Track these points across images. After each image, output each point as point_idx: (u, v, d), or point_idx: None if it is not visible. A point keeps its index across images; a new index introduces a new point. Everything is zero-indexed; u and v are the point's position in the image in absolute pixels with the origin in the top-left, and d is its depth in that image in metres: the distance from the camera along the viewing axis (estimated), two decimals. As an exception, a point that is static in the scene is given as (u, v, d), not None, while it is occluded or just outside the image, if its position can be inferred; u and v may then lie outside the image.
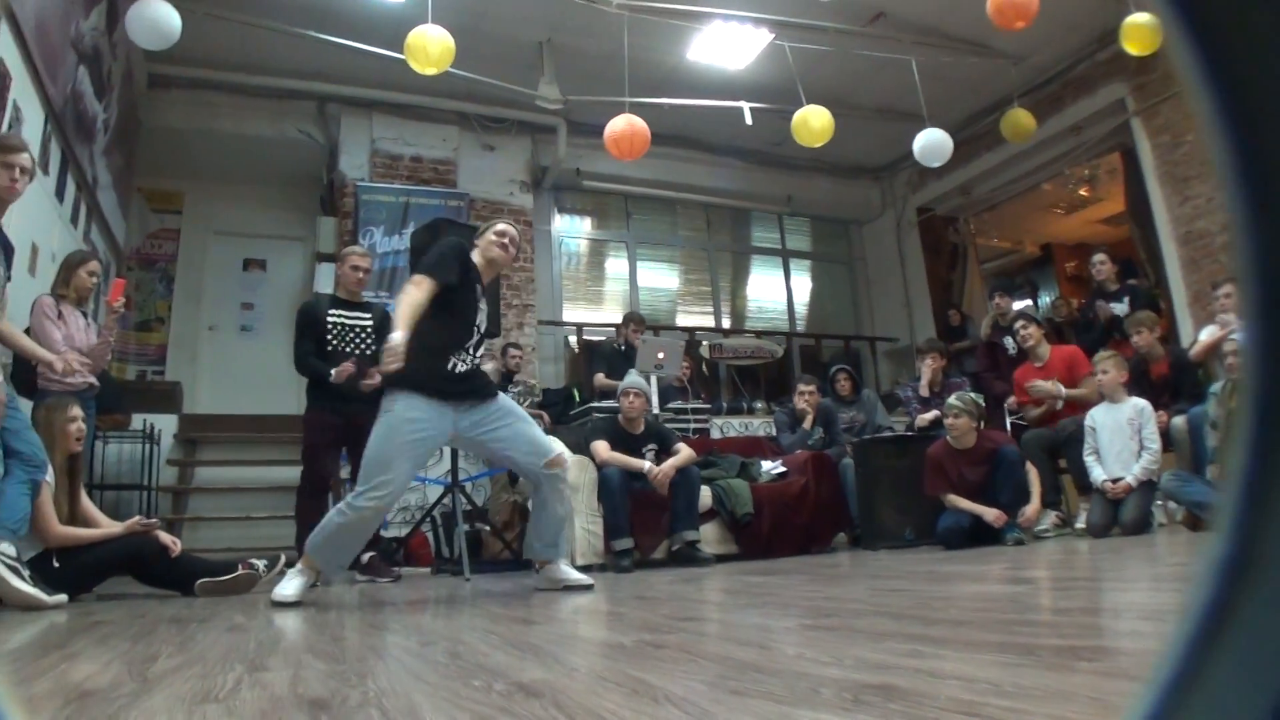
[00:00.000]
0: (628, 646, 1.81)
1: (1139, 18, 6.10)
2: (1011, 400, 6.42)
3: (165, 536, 4.28)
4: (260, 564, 4.32)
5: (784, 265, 11.18)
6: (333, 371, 4.75)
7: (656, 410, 6.23)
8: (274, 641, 2.25)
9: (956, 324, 9.54)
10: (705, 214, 10.71)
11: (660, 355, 6.50)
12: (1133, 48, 6.29)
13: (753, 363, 9.96)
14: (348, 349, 4.93)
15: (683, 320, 10.30)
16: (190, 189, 9.13)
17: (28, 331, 4.45)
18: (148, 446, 7.00)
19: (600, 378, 7.04)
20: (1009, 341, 6.84)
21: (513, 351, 7.42)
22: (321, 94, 8.27)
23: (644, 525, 5.14)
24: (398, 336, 3.14)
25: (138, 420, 7.03)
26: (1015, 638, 1.62)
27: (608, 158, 7.07)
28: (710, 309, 10.57)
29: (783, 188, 10.56)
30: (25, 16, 4.64)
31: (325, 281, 7.57)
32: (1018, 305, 8.08)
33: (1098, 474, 5.30)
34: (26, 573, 3.62)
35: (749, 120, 7.74)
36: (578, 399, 7.48)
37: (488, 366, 5.96)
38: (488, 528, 6.19)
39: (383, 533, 5.69)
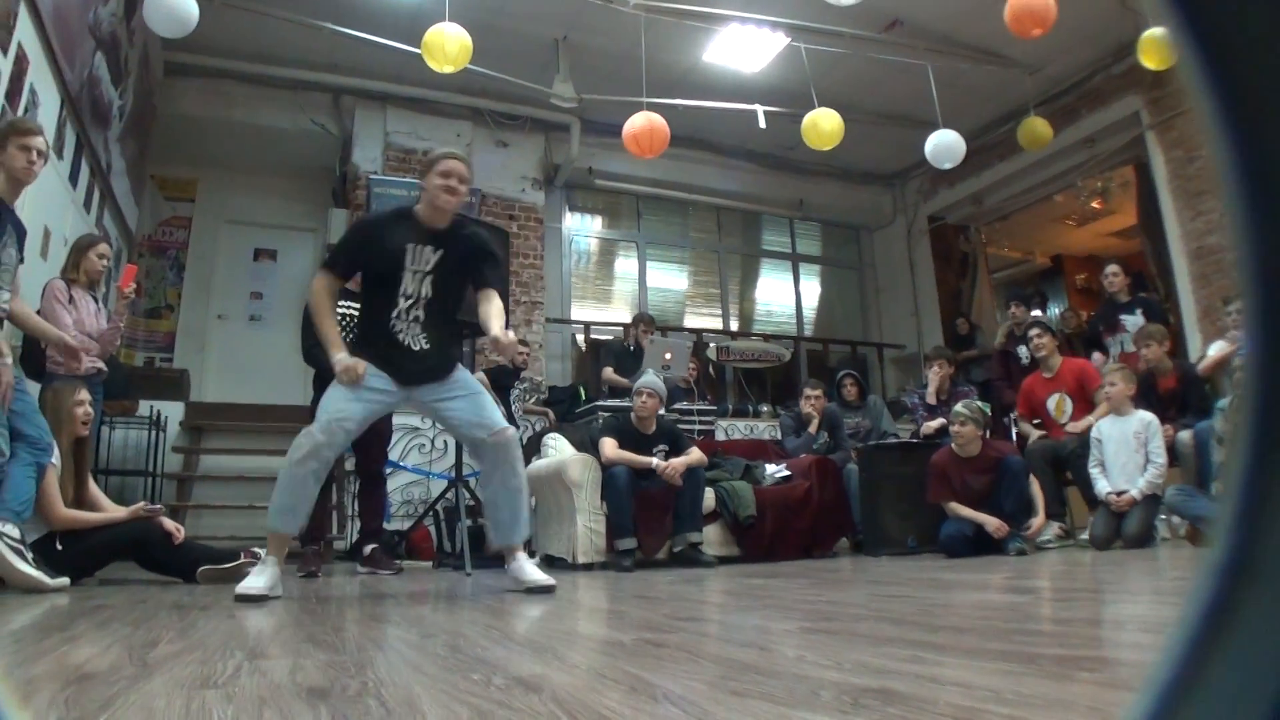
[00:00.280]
0: (628, 644, 1.81)
1: (1156, 32, 6.08)
2: (1015, 413, 6.41)
3: (169, 523, 4.30)
4: (262, 553, 4.32)
5: (793, 269, 11.17)
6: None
7: (662, 410, 6.23)
8: (275, 630, 2.26)
9: (965, 333, 9.52)
10: (716, 216, 10.70)
11: (667, 356, 6.50)
12: (1149, 62, 6.27)
13: (759, 366, 9.96)
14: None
15: (691, 322, 10.30)
16: (203, 177, 9.15)
17: (38, 314, 4.48)
18: (154, 433, 7.02)
19: (609, 372, 7.02)
20: (1023, 351, 6.83)
21: (520, 348, 7.42)
22: (336, 86, 8.29)
23: (648, 525, 5.13)
24: (338, 358, 3.25)
25: (145, 406, 7.06)
26: (1016, 646, 1.62)
27: (620, 157, 7.08)
28: (719, 311, 10.56)
29: (794, 192, 10.56)
30: (44, 1, 4.65)
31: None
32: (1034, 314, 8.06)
33: (1102, 486, 5.29)
34: (30, 555, 3.64)
35: (763, 124, 7.73)
36: (584, 397, 7.48)
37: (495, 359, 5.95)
38: (485, 514, 6.19)
39: (386, 525, 5.71)
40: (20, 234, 3.80)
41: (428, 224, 3.39)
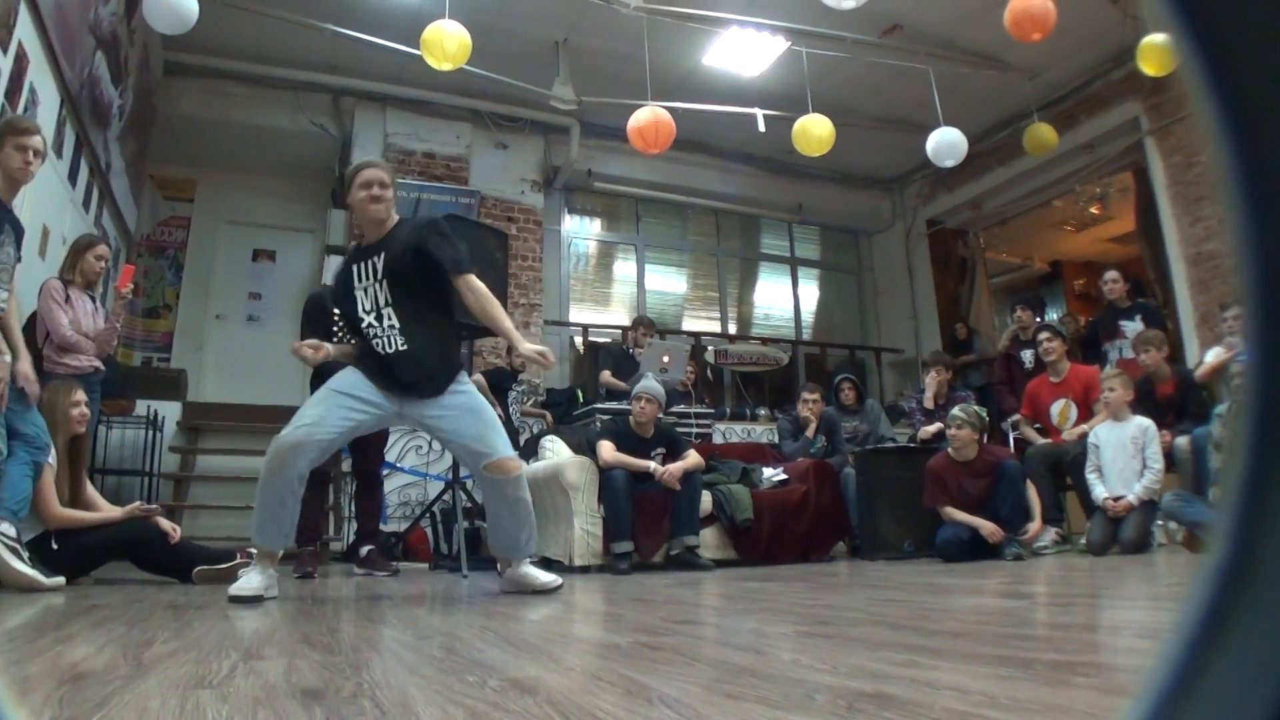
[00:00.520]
0: (623, 647, 1.81)
1: (1156, 38, 6.09)
2: (1015, 417, 6.40)
3: (165, 523, 4.29)
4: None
5: (792, 273, 11.18)
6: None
7: (660, 414, 6.22)
8: (270, 630, 2.25)
9: (963, 338, 9.52)
10: (715, 219, 10.70)
11: (665, 359, 6.50)
12: (1149, 68, 6.28)
13: (757, 369, 9.96)
14: (353, 341, 4.92)
15: (689, 325, 10.30)
16: (202, 177, 9.15)
17: (33, 315, 4.48)
18: (151, 433, 7.01)
19: (607, 375, 7.01)
20: (1026, 355, 6.82)
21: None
22: (336, 87, 8.30)
23: (644, 529, 5.13)
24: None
25: (142, 406, 7.05)
26: (1012, 651, 1.62)
27: (620, 159, 7.06)
28: (717, 314, 10.57)
29: (793, 196, 10.56)
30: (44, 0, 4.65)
31: (334, 274, 7.58)
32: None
33: (1099, 491, 5.28)
34: (25, 554, 3.63)
35: (762, 127, 7.73)
36: (581, 399, 7.47)
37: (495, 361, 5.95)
38: (486, 525, 6.18)
39: (382, 527, 5.70)
40: (18, 233, 3.79)
41: (371, 240, 3.41)
